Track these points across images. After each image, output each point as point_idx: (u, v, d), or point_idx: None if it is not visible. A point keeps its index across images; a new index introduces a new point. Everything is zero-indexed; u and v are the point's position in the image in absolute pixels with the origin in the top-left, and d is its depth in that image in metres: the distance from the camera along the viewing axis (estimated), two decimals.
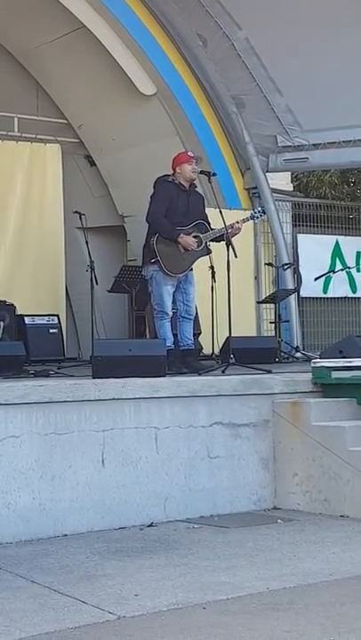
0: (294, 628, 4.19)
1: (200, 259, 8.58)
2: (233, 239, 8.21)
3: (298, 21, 10.57)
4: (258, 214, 9.14)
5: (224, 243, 8.22)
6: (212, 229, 8.37)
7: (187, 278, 8.35)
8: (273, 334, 11.14)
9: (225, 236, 8.24)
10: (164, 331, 8.24)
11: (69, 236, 11.78)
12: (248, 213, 9.29)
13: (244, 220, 8.60)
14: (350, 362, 7.56)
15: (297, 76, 11.10)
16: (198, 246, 8.27)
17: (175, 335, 8.36)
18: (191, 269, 8.40)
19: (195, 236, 8.26)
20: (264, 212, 9.51)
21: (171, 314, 8.27)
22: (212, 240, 8.40)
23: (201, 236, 8.29)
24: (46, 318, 11.00)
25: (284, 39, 10.79)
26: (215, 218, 8.44)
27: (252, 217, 9.10)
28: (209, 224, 8.42)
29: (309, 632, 4.13)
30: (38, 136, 11.82)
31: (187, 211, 8.31)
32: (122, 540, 6.15)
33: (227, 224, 8.21)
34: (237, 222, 8.36)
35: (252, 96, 11.52)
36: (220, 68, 11.48)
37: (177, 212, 8.25)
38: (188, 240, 8.20)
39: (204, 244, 8.32)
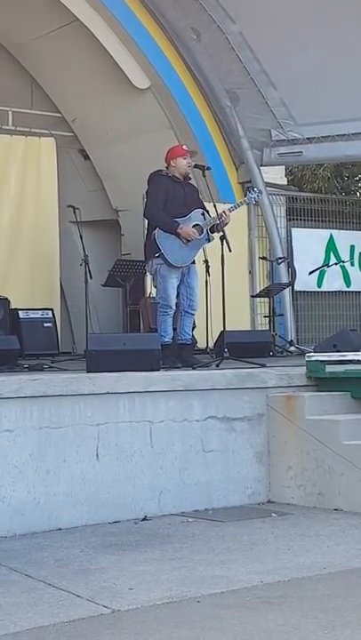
0: (288, 621, 4.20)
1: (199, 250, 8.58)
2: (227, 234, 8.19)
3: (292, 15, 10.57)
4: (255, 194, 9.06)
5: (219, 237, 8.22)
6: (211, 217, 8.36)
7: (190, 272, 8.31)
8: (267, 328, 11.16)
9: (217, 227, 8.24)
10: (165, 326, 8.20)
11: (63, 231, 11.78)
12: (240, 201, 9.26)
13: (234, 207, 8.59)
14: (344, 356, 7.57)
15: (291, 69, 11.10)
16: (200, 235, 8.25)
17: (174, 329, 8.34)
18: (194, 262, 8.37)
19: (195, 225, 8.25)
20: (261, 192, 9.44)
21: (174, 308, 8.24)
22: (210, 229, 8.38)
23: (201, 224, 8.27)
24: (40, 312, 11.00)
25: (278, 33, 10.78)
26: (212, 211, 8.43)
27: (249, 200, 9.05)
28: (207, 212, 8.40)
29: (303, 625, 4.13)
30: (32, 130, 11.81)
31: (184, 202, 8.28)
32: (116, 534, 6.15)
33: (218, 214, 8.21)
34: (224, 212, 8.30)
35: (246, 90, 11.52)
36: (213, 62, 11.48)
37: (175, 204, 8.22)
38: (188, 230, 8.17)
39: (205, 232, 8.30)
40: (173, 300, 8.21)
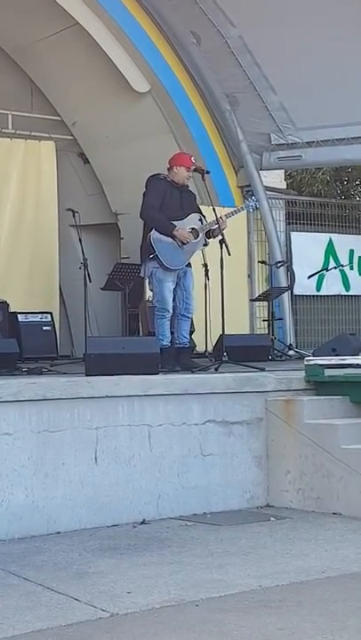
0: (287, 625, 4.20)
1: (196, 254, 8.57)
2: (226, 238, 8.20)
3: (291, 19, 10.58)
4: (253, 202, 9.09)
5: (218, 241, 8.23)
6: (207, 222, 8.37)
7: (186, 275, 8.32)
8: (266, 332, 11.16)
9: (214, 232, 8.26)
10: (163, 329, 8.20)
11: (63, 234, 11.78)
12: (236, 208, 9.28)
13: (232, 213, 8.60)
14: (343, 360, 7.57)
15: (291, 73, 11.11)
16: (195, 238, 8.26)
17: (172, 333, 8.34)
18: (190, 265, 8.38)
19: (191, 229, 8.25)
20: (258, 201, 9.46)
21: (171, 311, 8.25)
22: (206, 234, 8.39)
23: (197, 227, 8.28)
24: (39, 316, 11.00)
25: (278, 37, 10.79)
26: (209, 216, 8.44)
27: (246, 207, 9.07)
28: (204, 217, 8.41)
29: (302, 630, 4.13)
30: (32, 133, 11.81)
31: (180, 206, 8.30)
32: (115, 538, 6.15)
33: (215, 218, 8.21)
34: (220, 218, 8.31)
35: (245, 94, 11.53)
36: (213, 66, 11.48)
37: (171, 208, 8.24)
38: (184, 232, 8.18)
39: (201, 236, 8.30)
40: (170, 303, 8.21)
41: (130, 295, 10.74)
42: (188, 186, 8.52)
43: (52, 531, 6.30)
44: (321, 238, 12.87)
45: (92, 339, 8.72)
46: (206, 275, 9.72)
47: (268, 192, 12.11)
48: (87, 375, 7.03)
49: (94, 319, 11.35)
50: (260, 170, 11.96)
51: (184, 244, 8.18)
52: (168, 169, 8.40)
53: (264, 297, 11.28)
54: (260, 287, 11.97)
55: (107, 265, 11.30)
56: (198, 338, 9.97)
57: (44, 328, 10.97)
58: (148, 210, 8.24)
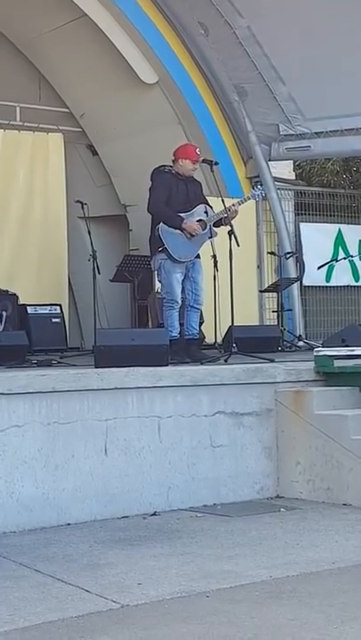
0: (298, 616, 4.20)
1: (205, 245, 8.57)
2: (235, 228, 8.19)
3: (300, 9, 10.54)
4: (259, 192, 9.07)
5: (227, 232, 8.22)
6: (214, 213, 8.36)
7: (194, 266, 8.32)
8: (275, 323, 11.15)
9: (224, 221, 8.24)
10: (172, 320, 8.21)
11: (71, 226, 11.78)
12: (246, 196, 9.27)
13: (240, 202, 8.59)
14: (353, 350, 7.55)
15: (299, 64, 11.07)
16: (203, 230, 8.25)
17: (181, 324, 8.34)
18: (199, 257, 8.38)
19: (198, 220, 8.25)
20: (263, 192, 9.44)
21: (180, 303, 8.25)
22: (214, 224, 8.38)
23: (204, 219, 8.27)
24: (49, 308, 11.01)
25: (287, 27, 10.75)
26: (217, 207, 8.43)
27: (253, 195, 9.05)
28: (211, 208, 8.40)
29: (313, 620, 4.13)
30: (40, 125, 11.81)
31: (187, 198, 8.29)
32: (125, 529, 6.16)
33: (222, 209, 8.20)
34: (233, 205, 8.32)
35: (254, 84, 11.50)
36: (221, 57, 11.45)
37: (177, 200, 8.24)
38: (193, 225, 8.18)
39: (208, 227, 8.29)
40: (179, 295, 8.22)
41: (139, 287, 10.74)
42: (193, 176, 8.50)
43: (62, 522, 6.32)
44: (330, 229, 12.85)
45: (102, 330, 8.71)
46: (215, 266, 9.71)
47: (277, 183, 12.08)
48: (96, 367, 7.04)
49: (103, 311, 11.34)
50: (269, 160, 11.93)
51: (193, 235, 8.18)
52: (173, 161, 8.38)
53: (273, 288, 11.26)
54: (270, 278, 11.95)
55: (116, 257, 11.30)
56: (207, 329, 9.96)
57: (54, 320, 10.98)
58: (156, 204, 8.24)
